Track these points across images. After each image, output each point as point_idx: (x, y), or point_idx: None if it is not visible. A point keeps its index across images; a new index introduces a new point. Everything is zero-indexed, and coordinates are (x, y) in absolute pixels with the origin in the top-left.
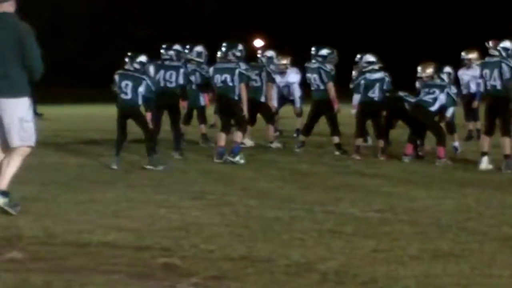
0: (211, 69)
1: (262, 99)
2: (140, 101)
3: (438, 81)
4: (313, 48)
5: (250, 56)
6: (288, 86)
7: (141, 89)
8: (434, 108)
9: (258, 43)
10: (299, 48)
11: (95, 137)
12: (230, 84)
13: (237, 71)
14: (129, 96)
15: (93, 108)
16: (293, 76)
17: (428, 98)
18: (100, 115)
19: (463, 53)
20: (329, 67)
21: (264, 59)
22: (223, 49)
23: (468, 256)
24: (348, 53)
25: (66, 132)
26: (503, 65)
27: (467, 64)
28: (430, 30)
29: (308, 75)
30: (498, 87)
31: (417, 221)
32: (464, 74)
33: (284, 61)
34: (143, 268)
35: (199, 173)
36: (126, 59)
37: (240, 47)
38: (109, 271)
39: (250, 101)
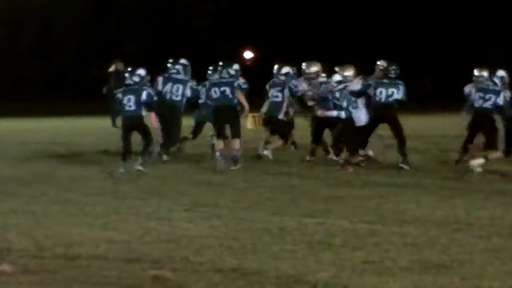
0: (207, 84)
1: (281, 116)
2: (143, 113)
3: (491, 85)
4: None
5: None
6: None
7: (144, 98)
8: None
9: (248, 54)
10: (288, 60)
11: (86, 149)
12: (230, 96)
13: (235, 84)
14: (132, 108)
15: (84, 121)
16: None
17: (487, 104)
18: (91, 128)
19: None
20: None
21: (282, 77)
22: (220, 68)
23: (458, 267)
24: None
25: (57, 145)
26: None
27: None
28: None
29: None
30: None
31: (407, 232)
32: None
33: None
34: (134, 280)
35: (190, 185)
36: (126, 75)
37: (236, 66)
38: (99, 283)
39: (269, 117)
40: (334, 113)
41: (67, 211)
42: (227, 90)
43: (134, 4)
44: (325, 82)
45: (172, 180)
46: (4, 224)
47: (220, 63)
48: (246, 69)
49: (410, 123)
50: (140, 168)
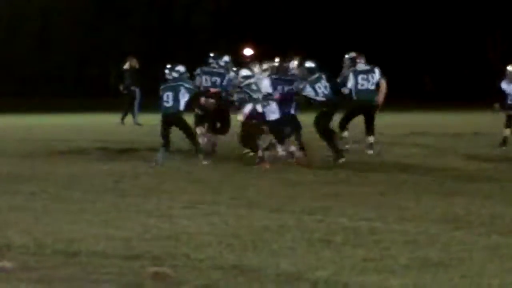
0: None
1: (292, 111)
2: (181, 107)
3: None
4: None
5: (240, 65)
6: None
7: (182, 93)
8: None
9: (248, 52)
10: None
11: (85, 146)
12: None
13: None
14: (170, 104)
15: (83, 117)
16: None
17: None
18: (90, 125)
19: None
20: None
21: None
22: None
23: (458, 265)
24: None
25: (56, 142)
26: None
27: None
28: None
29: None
30: None
31: (407, 230)
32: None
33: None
34: (134, 277)
35: (189, 182)
36: (166, 71)
37: (226, 58)
38: (99, 280)
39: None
40: (250, 106)
41: (67, 208)
42: (218, 81)
43: (134, 2)
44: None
45: (171, 177)
46: (4, 221)
47: (211, 54)
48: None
49: (411, 120)
50: (206, 162)
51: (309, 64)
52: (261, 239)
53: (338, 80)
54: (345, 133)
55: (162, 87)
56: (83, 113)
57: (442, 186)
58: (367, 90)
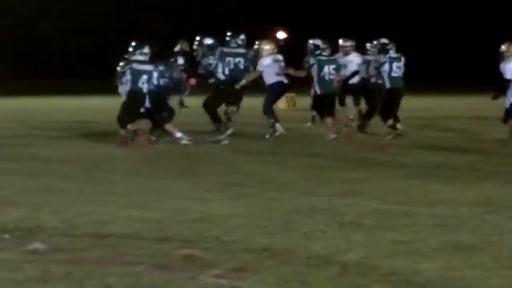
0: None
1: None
2: None
3: None
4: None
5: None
6: None
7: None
8: None
9: (281, 35)
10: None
11: (111, 129)
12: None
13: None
14: None
15: (106, 100)
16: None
17: None
18: (114, 107)
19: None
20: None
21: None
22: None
23: (488, 249)
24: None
25: (90, 123)
26: None
27: None
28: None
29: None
30: None
31: (438, 213)
32: None
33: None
34: (165, 259)
35: (221, 165)
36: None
37: (242, 36)
38: (130, 262)
39: None
40: None
41: (99, 190)
42: (242, 62)
43: None
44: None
45: (204, 159)
46: (37, 202)
47: (228, 33)
48: (280, 49)
49: (443, 103)
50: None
51: (208, 41)
52: (292, 221)
53: (373, 66)
54: (390, 121)
55: None
56: (107, 95)
57: (474, 169)
58: (399, 77)
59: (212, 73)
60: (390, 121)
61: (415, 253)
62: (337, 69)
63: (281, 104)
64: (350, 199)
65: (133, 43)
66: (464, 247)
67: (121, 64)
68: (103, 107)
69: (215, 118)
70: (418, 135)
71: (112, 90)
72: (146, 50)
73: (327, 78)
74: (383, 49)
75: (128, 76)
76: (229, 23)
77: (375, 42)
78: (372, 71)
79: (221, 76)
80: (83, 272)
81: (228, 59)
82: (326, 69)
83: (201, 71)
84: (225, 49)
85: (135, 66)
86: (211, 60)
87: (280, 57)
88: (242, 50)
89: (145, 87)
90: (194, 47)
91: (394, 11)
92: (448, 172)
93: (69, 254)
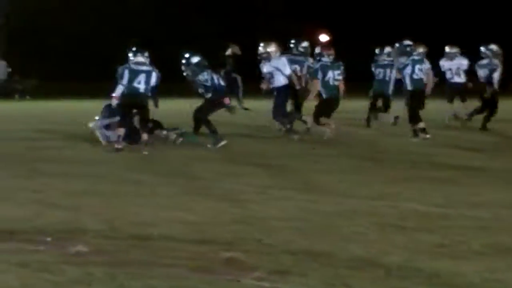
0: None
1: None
2: None
3: None
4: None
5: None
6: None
7: None
8: None
9: (323, 38)
10: (366, 42)
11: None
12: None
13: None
14: None
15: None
16: None
17: None
18: (163, 109)
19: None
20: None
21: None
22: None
23: None
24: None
25: None
26: None
27: None
28: None
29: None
30: None
31: (479, 216)
32: None
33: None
34: (205, 262)
35: (261, 167)
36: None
37: (305, 43)
38: (171, 264)
39: None
40: None
41: (137, 191)
42: (298, 69)
43: None
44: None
45: (243, 161)
46: (76, 205)
47: (292, 41)
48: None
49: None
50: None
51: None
52: (333, 224)
53: (398, 67)
54: (421, 124)
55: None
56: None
57: None
58: (421, 79)
59: (207, 89)
60: (421, 124)
61: (457, 256)
62: (342, 74)
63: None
64: (391, 201)
65: (133, 48)
66: (506, 250)
67: (119, 68)
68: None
69: (209, 124)
70: (459, 137)
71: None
72: (146, 54)
73: (331, 83)
74: (405, 51)
75: (125, 77)
76: (273, 25)
77: (397, 45)
78: (396, 73)
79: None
80: (125, 274)
81: (293, 65)
82: (330, 74)
83: (200, 89)
84: (287, 56)
85: (133, 66)
86: (205, 76)
87: (300, 59)
88: (301, 58)
89: (141, 87)
90: (183, 67)
91: (439, 12)
92: (488, 174)
93: (111, 256)
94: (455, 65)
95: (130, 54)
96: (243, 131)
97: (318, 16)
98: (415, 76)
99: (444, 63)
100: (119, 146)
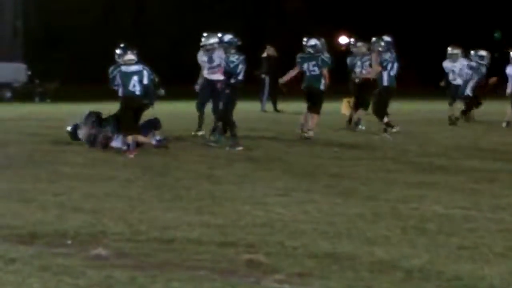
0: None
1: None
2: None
3: None
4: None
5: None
6: None
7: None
8: None
9: (343, 39)
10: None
11: (180, 134)
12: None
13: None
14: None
15: (179, 104)
16: None
17: None
18: (185, 112)
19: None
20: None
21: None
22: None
23: None
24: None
25: None
26: None
27: None
28: None
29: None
30: None
31: (502, 219)
32: None
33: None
34: (228, 264)
35: (284, 170)
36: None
37: (312, 41)
38: (193, 267)
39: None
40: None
41: (161, 195)
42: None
43: None
44: None
45: (266, 164)
46: (99, 208)
47: (304, 39)
48: (342, 55)
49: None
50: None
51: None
52: (355, 227)
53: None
54: (386, 118)
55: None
56: (179, 99)
57: None
58: (395, 77)
59: (233, 73)
60: (386, 119)
61: (479, 259)
62: (318, 65)
63: (343, 108)
64: (414, 204)
65: (120, 46)
66: None
67: (111, 68)
68: (173, 111)
69: (232, 124)
70: (481, 140)
71: (183, 94)
72: (134, 51)
73: (308, 74)
74: (389, 48)
75: (118, 81)
76: (292, 26)
77: (382, 41)
78: (377, 67)
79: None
80: (147, 277)
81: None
82: (305, 66)
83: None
84: (300, 55)
85: (124, 69)
86: (235, 58)
87: None
88: (316, 54)
89: (137, 90)
90: (215, 45)
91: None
92: (511, 177)
93: (132, 259)
94: (457, 67)
95: (119, 51)
96: (266, 134)
97: (338, 18)
98: (391, 73)
99: (447, 65)
100: (131, 155)
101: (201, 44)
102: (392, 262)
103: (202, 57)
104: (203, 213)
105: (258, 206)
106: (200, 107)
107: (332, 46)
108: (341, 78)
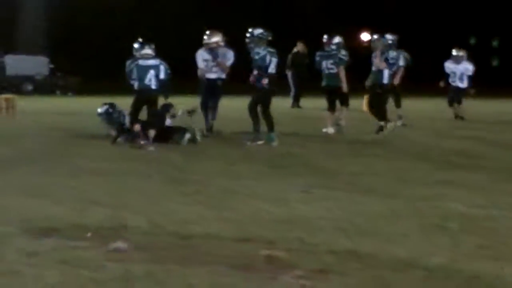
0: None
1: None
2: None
3: None
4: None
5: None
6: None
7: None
8: None
9: (365, 36)
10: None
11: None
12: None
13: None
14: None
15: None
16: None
17: None
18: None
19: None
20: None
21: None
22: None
23: None
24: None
25: None
26: None
27: None
28: None
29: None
30: None
31: None
32: None
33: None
34: (246, 260)
35: (304, 167)
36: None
37: (336, 39)
38: (211, 262)
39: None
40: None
41: (181, 190)
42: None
43: None
44: None
45: (286, 161)
46: (119, 202)
47: (324, 36)
48: (364, 52)
49: None
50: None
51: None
52: (376, 225)
53: (381, 58)
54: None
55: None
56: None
57: None
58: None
59: (261, 67)
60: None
61: (499, 258)
62: (336, 63)
63: (365, 105)
64: (434, 202)
65: (139, 41)
66: None
67: (128, 62)
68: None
69: (258, 120)
70: (501, 138)
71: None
72: (152, 46)
73: (326, 72)
74: (392, 47)
75: (135, 74)
76: (313, 24)
77: (389, 38)
78: (381, 63)
79: (272, 71)
80: (165, 272)
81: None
82: (323, 64)
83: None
84: (319, 53)
85: (141, 62)
86: (261, 50)
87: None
88: (333, 52)
89: (153, 84)
90: (247, 40)
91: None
92: None
93: (151, 254)
94: (459, 70)
95: (136, 45)
96: (286, 130)
97: (361, 15)
98: (390, 72)
99: (449, 66)
100: (152, 148)
101: (204, 42)
102: (411, 260)
103: (203, 56)
104: (222, 209)
105: (278, 203)
106: (205, 107)
107: (353, 45)
108: (365, 75)
